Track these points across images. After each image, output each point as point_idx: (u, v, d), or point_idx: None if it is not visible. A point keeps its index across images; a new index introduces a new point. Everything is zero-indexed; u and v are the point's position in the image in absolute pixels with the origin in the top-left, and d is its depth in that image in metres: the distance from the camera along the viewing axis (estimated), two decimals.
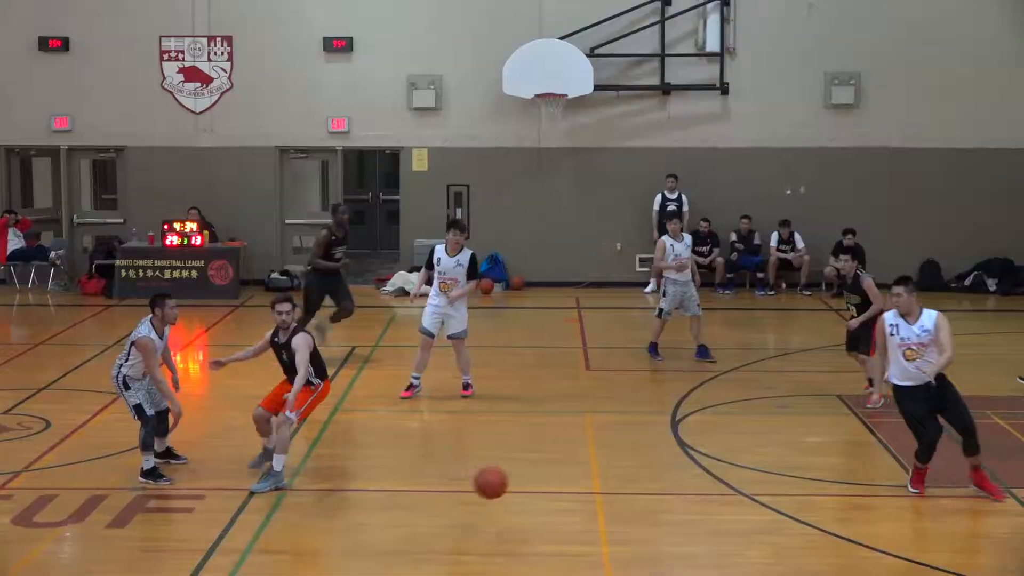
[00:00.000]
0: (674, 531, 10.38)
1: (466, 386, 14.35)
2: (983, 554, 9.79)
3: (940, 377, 10.78)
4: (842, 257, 14.31)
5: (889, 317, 10.98)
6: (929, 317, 10.92)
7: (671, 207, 21.55)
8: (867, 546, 9.92)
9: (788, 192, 22.08)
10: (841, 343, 14.75)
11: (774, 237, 21.73)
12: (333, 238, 16.02)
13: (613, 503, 10.90)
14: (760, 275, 21.71)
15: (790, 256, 21.64)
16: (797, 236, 21.70)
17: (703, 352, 16.20)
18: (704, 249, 21.69)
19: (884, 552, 9.78)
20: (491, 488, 10.22)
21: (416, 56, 21.95)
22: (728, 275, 21.82)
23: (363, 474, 11.85)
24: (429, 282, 14.28)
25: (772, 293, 21.51)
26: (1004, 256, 21.83)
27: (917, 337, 10.87)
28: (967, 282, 21.90)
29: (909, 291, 10.90)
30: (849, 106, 21.79)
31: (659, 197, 21.70)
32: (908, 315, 10.89)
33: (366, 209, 26.41)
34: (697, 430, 13.12)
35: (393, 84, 21.98)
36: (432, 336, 14.20)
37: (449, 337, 14.22)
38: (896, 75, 21.73)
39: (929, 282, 21.81)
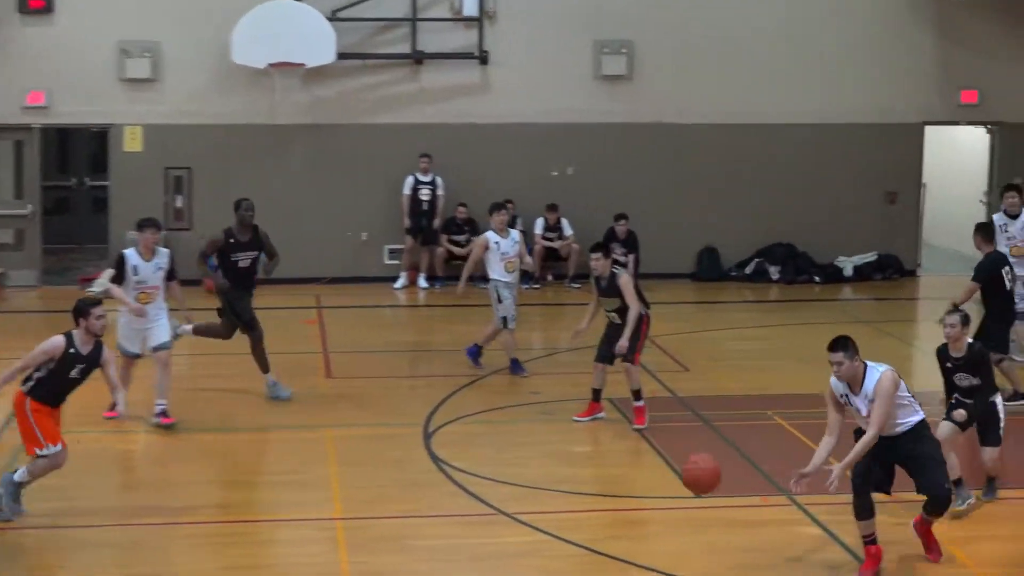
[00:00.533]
0: (426, 557, 10.37)
1: (163, 413, 13.51)
2: (761, 569, 10.08)
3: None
4: (592, 256, 13.68)
5: (838, 385, 9.91)
6: (872, 380, 9.78)
7: (425, 192, 21.57)
8: (639, 565, 10.10)
9: (555, 173, 22.35)
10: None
11: (539, 223, 21.96)
12: (230, 241, 14.45)
13: (356, 529, 10.82)
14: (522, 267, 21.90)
15: (557, 245, 21.92)
16: (565, 222, 22.00)
17: (516, 367, 16.03)
18: (461, 239, 21.79)
19: (657, 571, 9.97)
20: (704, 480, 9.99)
21: (128, 19, 21.37)
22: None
23: (66, 508, 11.42)
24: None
25: (537, 286, 21.75)
26: (786, 242, 22.62)
27: (866, 408, 9.82)
28: (748, 270, 22.61)
29: (850, 356, 9.79)
30: (621, 77, 22.20)
31: (411, 180, 21.68)
32: (852, 383, 9.82)
33: (69, 196, 25.58)
34: (452, 442, 13.15)
35: (101, 51, 21.34)
36: (135, 357, 13.80)
37: (153, 350, 13.65)
38: (671, 44, 22.23)
39: (708, 272, 22.48)
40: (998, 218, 15.65)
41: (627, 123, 22.33)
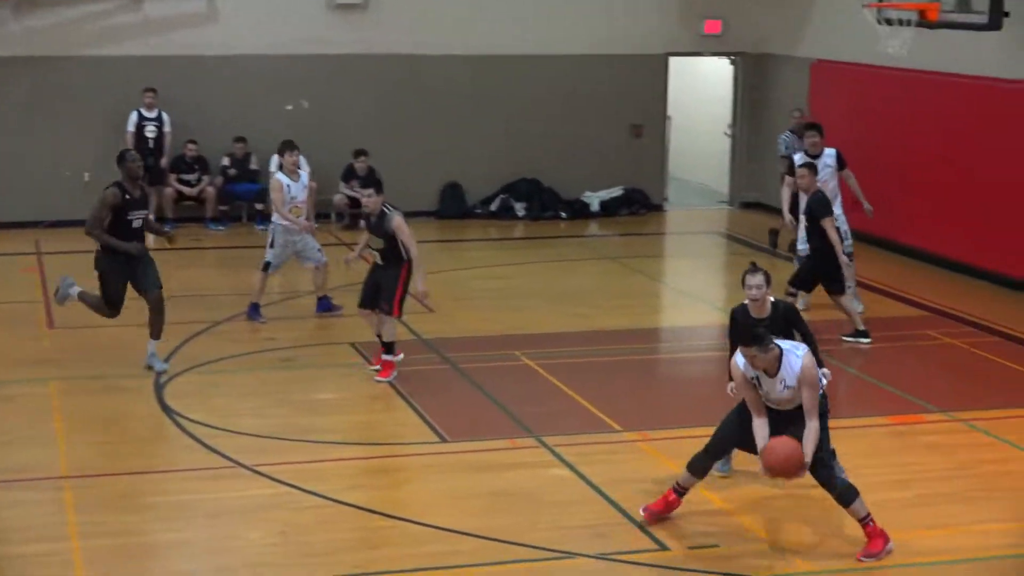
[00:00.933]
0: (161, 516, 10.27)
1: None
2: (511, 513, 10.29)
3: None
4: (364, 192, 13.79)
5: (748, 369, 9.57)
6: (793, 366, 9.44)
7: (150, 128, 21.13)
8: (384, 514, 10.20)
9: (289, 108, 22.16)
10: (356, 282, 14.93)
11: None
12: (126, 197, 13.42)
13: (85, 488, 10.64)
14: (259, 206, 21.69)
15: None
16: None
17: (326, 304, 16.05)
18: (191, 177, 21.46)
19: (403, 519, 10.09)
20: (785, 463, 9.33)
21: None
22: (221, 207, 21.71)
23: None
24: None
25: None
26: (532, 177, 22.94)
27: (778, 394, 9.57)
28: (493, 207, 22.87)
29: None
30: (355, 6, 22.08)
31: (135, 116, 21.19)
32: (769, 369, 9.48)
33: None
34: (186, 393, 13.02)
35: None
36: None
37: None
38: None
39: (451, 209, 22.65)
40: (798, 158, 15.97)
41: (364, 54, 22.25)
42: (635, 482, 10.82)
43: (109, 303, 13.67)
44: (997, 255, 17.82)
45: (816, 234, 14.82)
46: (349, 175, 21.70)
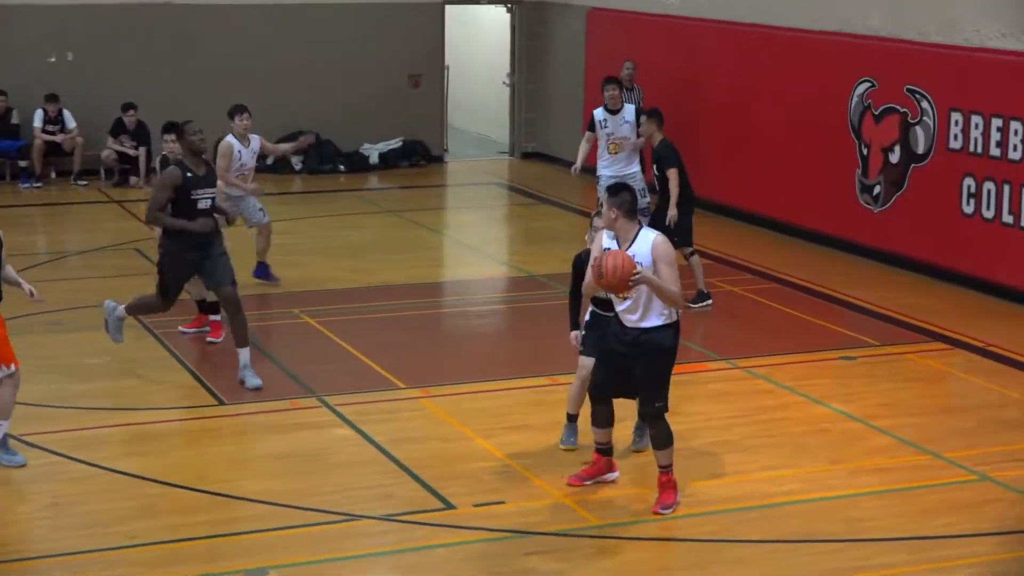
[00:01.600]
0: None
1: None
2: (293, 475, 10.12)
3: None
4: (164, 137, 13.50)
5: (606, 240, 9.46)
6: (646, 241, 9.27)
7: None
8: (158, 480, 9.93)
9: (52, 59, 21.51)
10: (128, 241, 14.51)
11: (38, 116, 21.12)
12: (188, 175, 11.89)
13: None
14: (23, 163, 21.06)
15: (59, 139, 21.16)
16: (67, 114, 21.21)
17: (264, 271, 15.34)
18: None
19: (184, 487, 9.84)
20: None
21: None
22: None
23: None
24: None
25: (39, 185, 21.03)
26: (310, 129, 22.57)
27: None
28: (269, 161, 22.41)
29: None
30: None
31: None
32: (622, 239, 9.30)
33: None
34: None
35: None
36: None
37: None
38: None
39: None
40: (598, 113, 15.66)
41: (129, 3, 21.65)
42: (420, 441, 10.73)
43: (164, 294, 12.05)
44: (781, 204, 18.17)
45: (664, 186, 14.41)
46: (118, 129, 21.14)
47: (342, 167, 22.50)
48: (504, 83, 24.36)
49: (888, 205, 16.34)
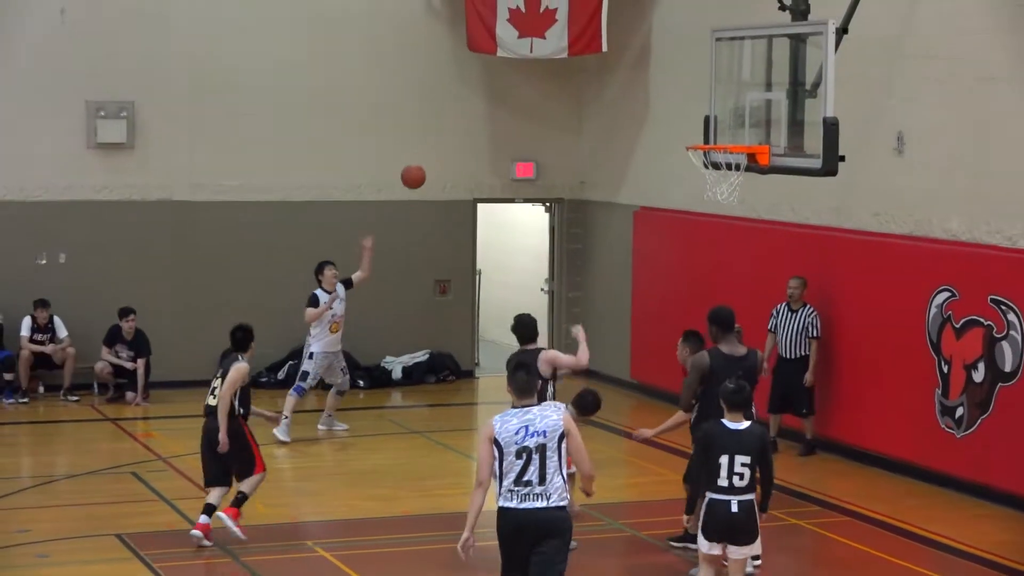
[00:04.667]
0: None
1: None
2: None
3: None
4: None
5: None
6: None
7: None
8: None
9: (42, 262, 21.96)
10: (124, 464, 14.78)
11: (26, 324, 21.48)
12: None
13: None
14: (8, 376, 21.40)
15: (49, 349, 21.52)
16: (58, 321, 21.60)
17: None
18: None
19: None
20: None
21: None
22: None
23: None
24: None
25: (25, 400, 21.31)
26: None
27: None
28: (280, 375, 22.76)
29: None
30: (120, 145, 22.11)
31: None
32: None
33: None
34: None
35: None
36: None
37: None
38: (180, 106, 22.40)
39: None
40: (321, 295, 19.13)
41: (129, 200, 22.27)
42: None
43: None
44: (849, 427, 18.40)
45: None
46: (114, 338, 21.52)
47: (361, 383, 22.70)
48: (542, 290, 24.76)
49: (973, 429, 16.48)
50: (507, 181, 24.11)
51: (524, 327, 14.55)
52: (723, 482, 11.55)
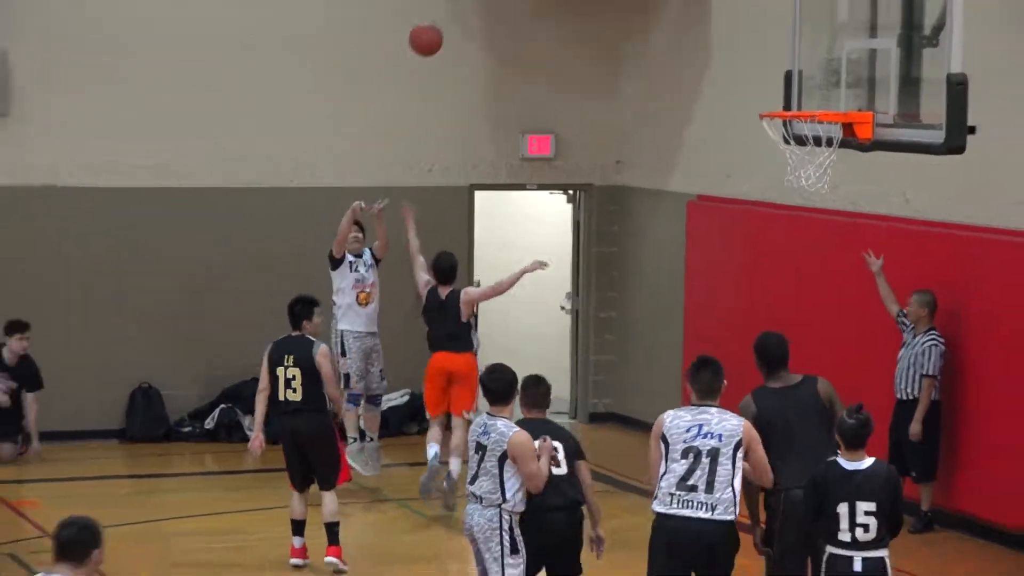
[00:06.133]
0: None
1: None
2: None
3: None
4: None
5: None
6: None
7: None
8: None
9: None
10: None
11: None
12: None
13: None
14: None
15: None
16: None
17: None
18: None
19: None
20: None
21: None
22: None
23: None
24: None
25: None
26: None
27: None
28: (209, 424, 22.95)
29: None
30: None
31: None
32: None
33: None
34: None
35: None
36: None
37: None
38: (70, 62, 22.45)
39: (144, 426, 22.79)
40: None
41: (4, 186, 22.43)
42: None
43: None
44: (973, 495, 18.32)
45: None
46: None
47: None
48: (562, 308, 24.67)
49: None
50: (516, 161, 24.20)
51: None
52: (844, 536, 12.12)
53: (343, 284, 20.16)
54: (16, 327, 21.43)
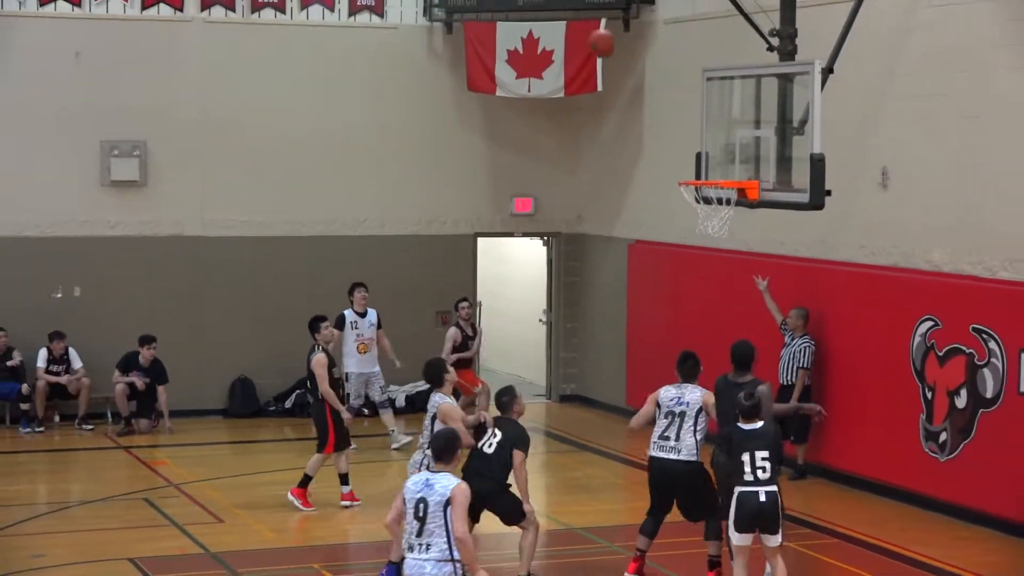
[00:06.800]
0: None
1: None
2: None
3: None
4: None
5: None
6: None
7: None
8: None
9: (57, 295, 22.05)
10: (137, 490, 14.83)
11: (42, 355, 21.56)
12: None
13: None
14: (24, 406, 21.49)
15: (64, 380, 21.62)
16: (73, 352, 21.70)
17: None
18: None
19: None
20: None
21: None
22: None
23: None
24: None
25: (41, 429, 21.36)
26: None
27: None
28: (288, 404, 22.95)
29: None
30: (133, 183, 22.21)
31: None
32: None
33: None
34: None
35: None
36: None
37: None
38: (191, 145, 22.49)
39: (242, 407, 22.74)
40: (349, 314, 20.30)
41: (142, 236, 22.37)
42: None
43: None
44: (837, 452, 18.45)
45: None
46: (129, 365, 21.46)
47: (366, 411, 22.65)
48: (540, 320, 24.86)
49: (955, 454, 16.53)
50: (507, 216, 24.19)
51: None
52: (748, 477, 12.61)
53: (348, 337, 20.43)
54: (146, 340, 21.38)
